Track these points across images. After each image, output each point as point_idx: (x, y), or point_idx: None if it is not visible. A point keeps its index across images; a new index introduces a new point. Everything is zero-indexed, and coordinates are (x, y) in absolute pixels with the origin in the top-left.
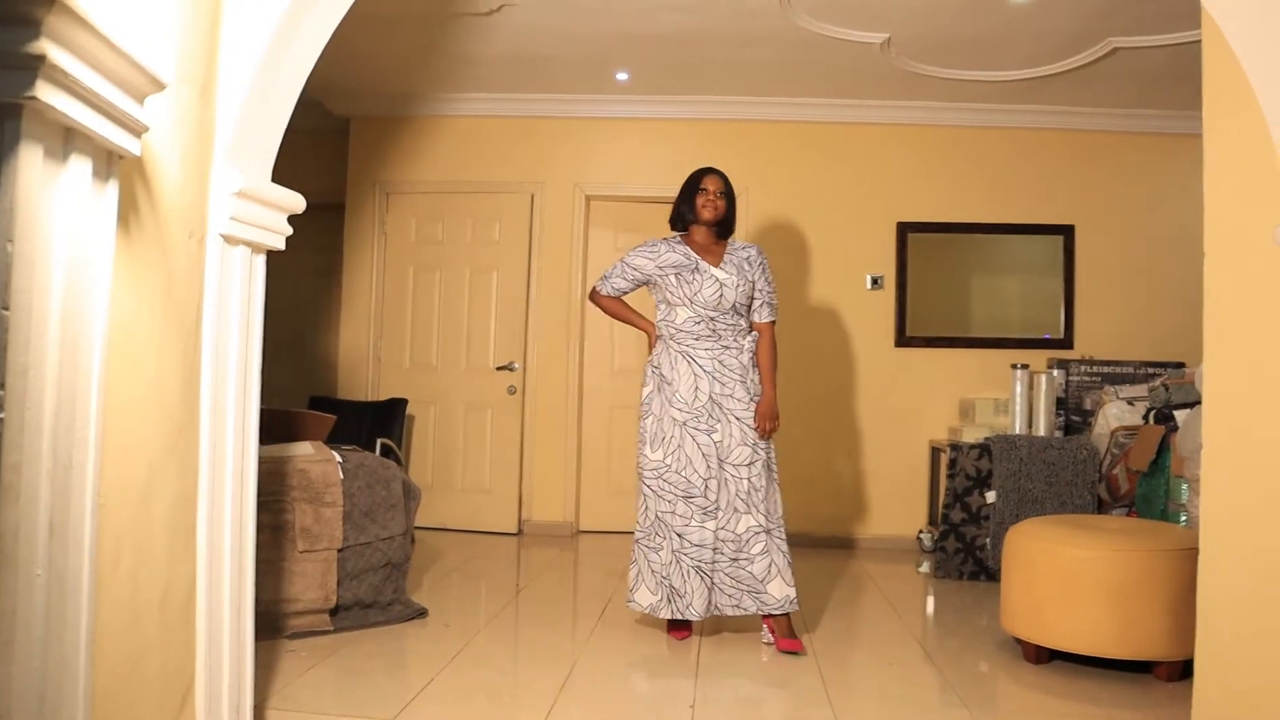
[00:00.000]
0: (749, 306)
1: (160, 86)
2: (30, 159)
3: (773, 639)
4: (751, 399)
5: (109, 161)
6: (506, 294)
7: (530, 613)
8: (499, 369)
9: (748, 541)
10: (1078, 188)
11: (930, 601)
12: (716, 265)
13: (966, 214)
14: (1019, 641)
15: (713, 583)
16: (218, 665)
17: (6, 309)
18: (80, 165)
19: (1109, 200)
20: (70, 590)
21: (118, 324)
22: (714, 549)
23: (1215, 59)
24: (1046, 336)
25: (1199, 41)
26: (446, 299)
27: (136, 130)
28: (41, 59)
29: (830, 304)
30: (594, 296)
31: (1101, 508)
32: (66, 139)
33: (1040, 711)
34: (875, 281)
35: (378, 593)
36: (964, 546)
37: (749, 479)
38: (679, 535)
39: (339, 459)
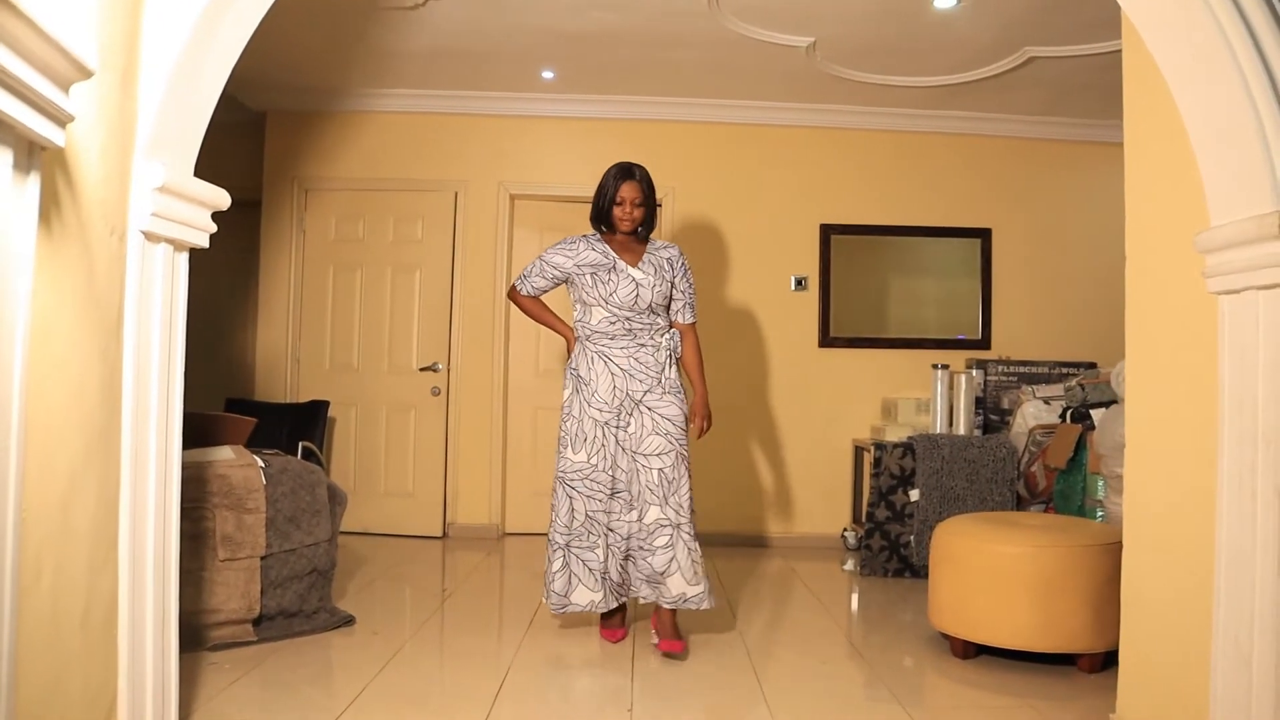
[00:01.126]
0: (666, 306)
1: (87, 74)
2: None
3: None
4: (665, 392)
5: (30, 153)
6: (430, 294)
7: (460, 618)
8: (422, 370)
9: (652, 533)
10: (994, 192)
11: (858, 599)
12: (635, 265)
13: (888, 216)
14: (946, 637)
15: (640, 573)
16: (140, 681)
17: None
18: (1, 156)
19: (1024, 205)
20: None
21: (38, 325)
22: (639, 539)
23: (1135, 68)
24: (961, 337)
25: (1112, 52)
26: (368, 299)
27: (61, 120)
28: None
29: (755, 305)
30: (512, 295)
31: (1020, 504)
32: None
33: (969, 705)
34: (799, 283)
35: (303, 601)
36: (889, 544)
37: (660, 469)
38: (611, 530)
39: (261, 464)
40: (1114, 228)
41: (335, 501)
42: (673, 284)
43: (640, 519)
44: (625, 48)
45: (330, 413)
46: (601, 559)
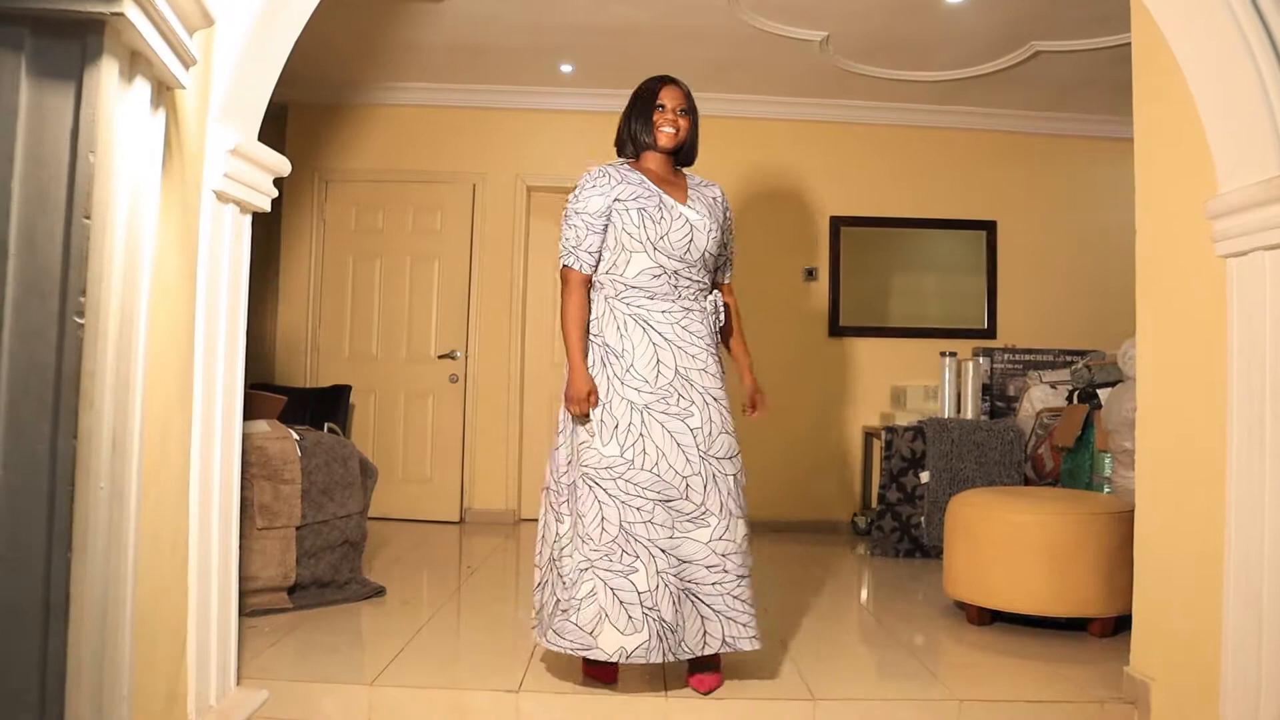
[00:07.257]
0: (716, 258)
1: (210, 22)
2: (109, 73)
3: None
4: (719, 377)
5: (160, 92)
6: (448, 283)
7: (486, 591)
8: (440, 357)
9: (747, 553)
10: (999, 186)
11: (873, 578)
12: (683, 202)
13: (896, 209)
14: (961, 606)
15: (711, 610)
16: (206, 625)
17: (89, 218)
18: (142, 88)
19: (1028, 198)
20: (125, 509)
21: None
22: (710, 566)
23: (1145, 48)
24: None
25: (1117, 46)
26: (387, 288)
27: (187, 62)
28: None
29: (766, 295)
30: (568, 281)
31: (1027, 485)
32: (133, 62)
33: (987, 667)
34: (810, 273)
35: (335, 571)
36: (900, 525)
37: (734, 475)
38: (663, 552)
39: (296, 437)
40: (1116, 221)
41: (366, 475)
42: (723, 230)
43: (734, 538)
44: (643, 42)
45: (349, 399)
46: (647, 588)
